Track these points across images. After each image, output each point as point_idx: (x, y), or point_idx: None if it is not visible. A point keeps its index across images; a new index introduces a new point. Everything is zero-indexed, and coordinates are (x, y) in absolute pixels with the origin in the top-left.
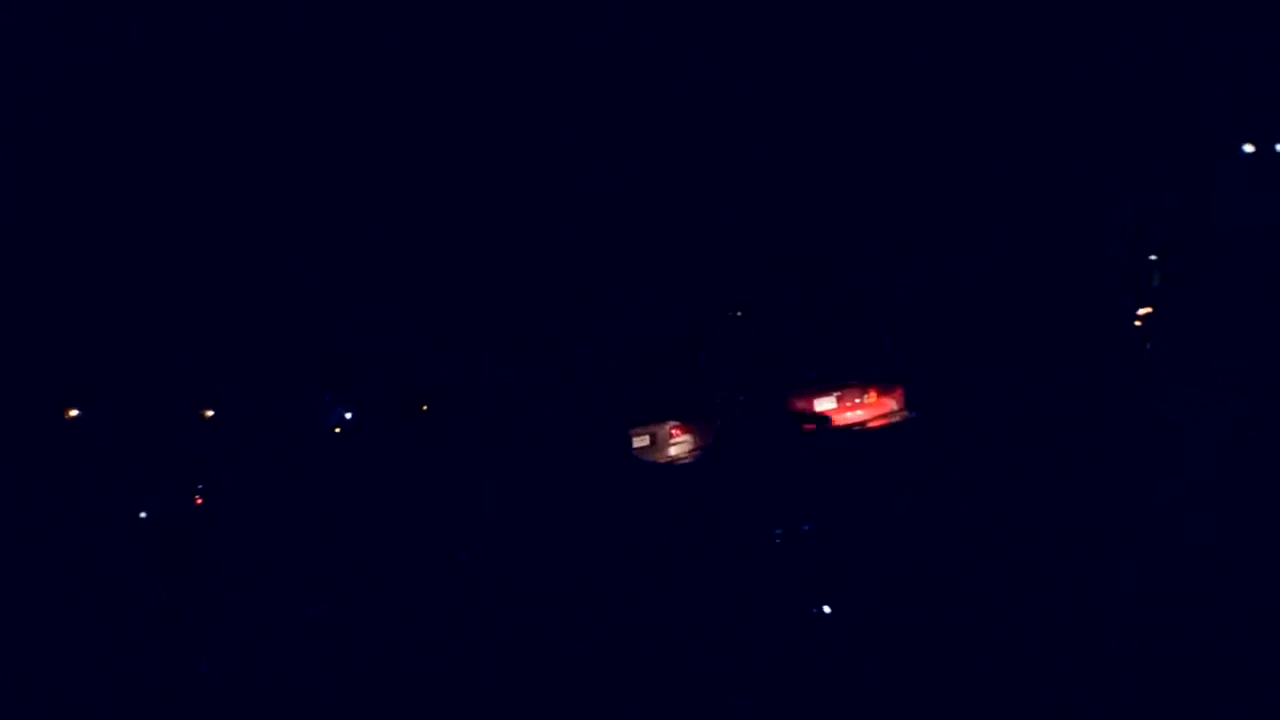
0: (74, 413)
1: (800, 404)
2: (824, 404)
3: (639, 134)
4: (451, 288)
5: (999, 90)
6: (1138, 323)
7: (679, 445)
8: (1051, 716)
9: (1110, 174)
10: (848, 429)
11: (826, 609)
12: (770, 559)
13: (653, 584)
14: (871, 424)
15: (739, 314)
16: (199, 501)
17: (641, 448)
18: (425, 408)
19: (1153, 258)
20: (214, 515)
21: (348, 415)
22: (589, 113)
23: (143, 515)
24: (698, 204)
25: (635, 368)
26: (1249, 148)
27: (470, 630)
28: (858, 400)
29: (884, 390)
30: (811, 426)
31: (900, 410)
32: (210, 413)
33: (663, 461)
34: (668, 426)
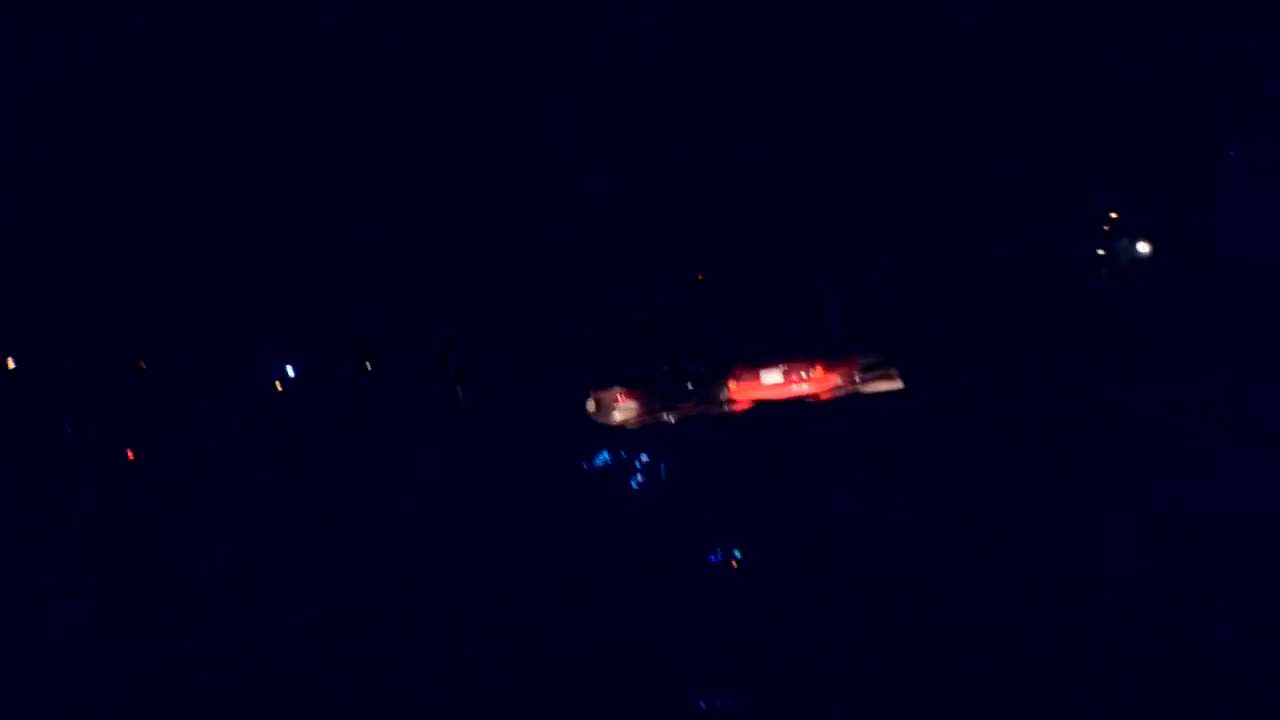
0: (9, 364)
1: (747, 376)
2: (770, 377)
3: (598, 105)
4: (405, 244)
5: (964, 66)
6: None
7: (624, 411)
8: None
9: (1074, 159)
10: (793, 402)
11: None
12: (731, 539)
13: (605, 560)
14: (821, 398)
15: (692, 282)
16: (130, 456)
17: (588, 412)
18: (368, 365)
19: (1101, 252)
20: (149, 471)
21: (290, 370)
22: (550, 82)
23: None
24: (654, 173)
25: (584, 333)
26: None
27: (418, 597)
28: (804, 374)
29: (830, 365)
30: (756, 399)
31: (845, 385)
32: (143, 364)
33: (610, 425)
34: (614, 391)
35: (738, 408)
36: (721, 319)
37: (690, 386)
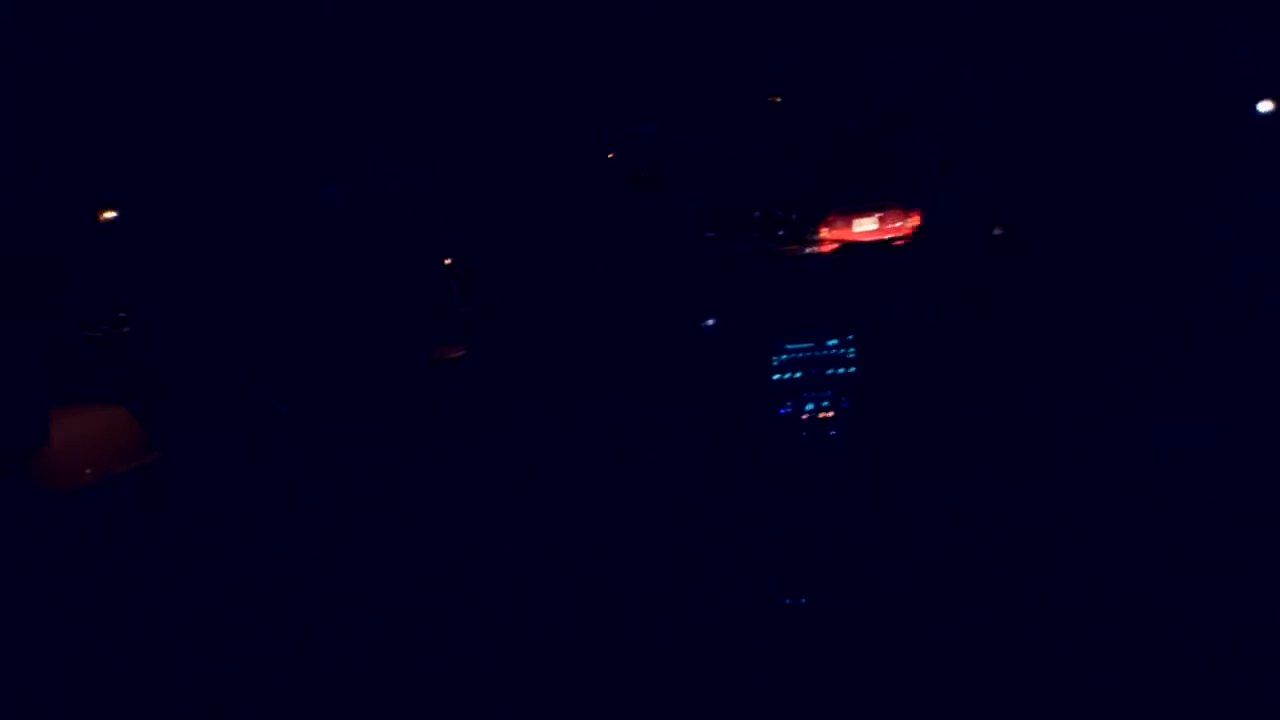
0: None
1: (839, 224)
2: (864, 225)
3: None
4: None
5: None
6: None
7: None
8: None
9: None
10: (884, 244)
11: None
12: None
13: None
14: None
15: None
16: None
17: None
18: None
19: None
20: None
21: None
22: None
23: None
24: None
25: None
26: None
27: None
28: (899, 224)
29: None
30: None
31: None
32: None
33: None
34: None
35: (825, 249)
36: (804, 167)
37: (781, 233)
